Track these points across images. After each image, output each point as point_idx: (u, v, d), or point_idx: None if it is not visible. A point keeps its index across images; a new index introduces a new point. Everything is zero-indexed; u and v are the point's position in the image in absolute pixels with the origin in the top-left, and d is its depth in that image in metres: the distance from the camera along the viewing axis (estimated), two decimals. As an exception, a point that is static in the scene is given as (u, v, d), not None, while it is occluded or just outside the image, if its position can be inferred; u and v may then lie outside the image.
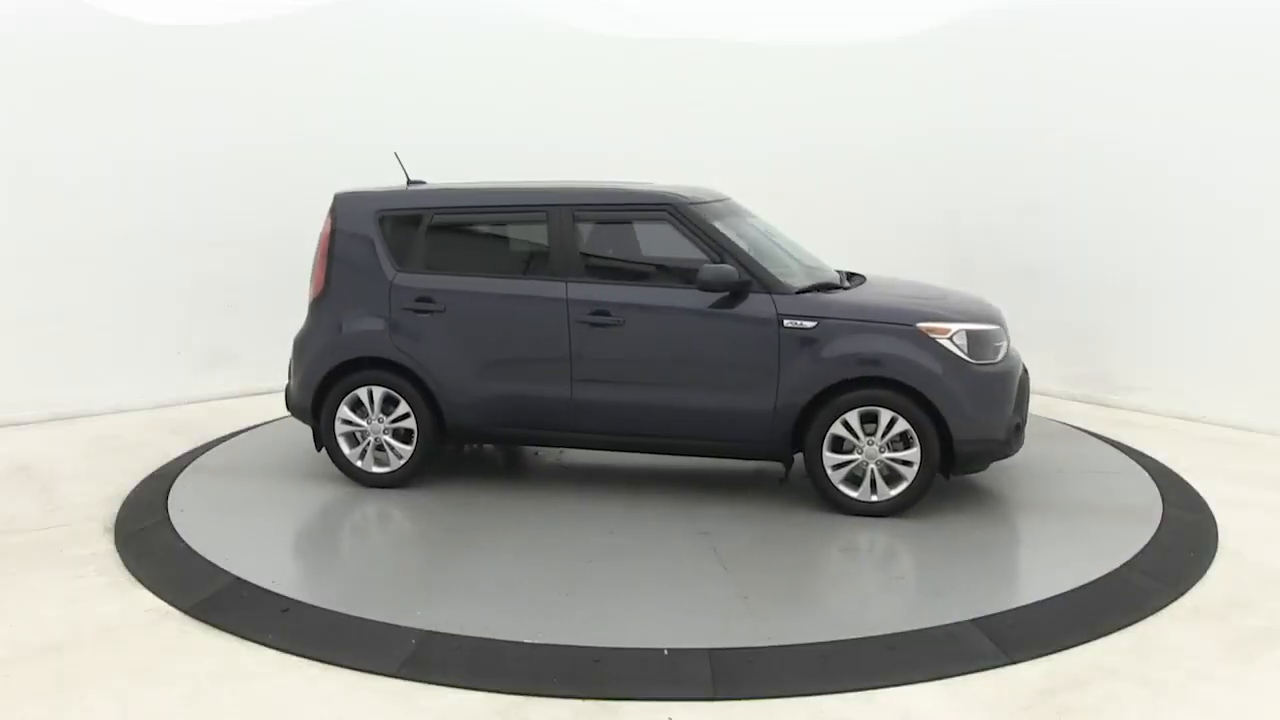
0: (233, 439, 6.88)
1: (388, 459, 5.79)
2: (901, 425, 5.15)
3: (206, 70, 8.13)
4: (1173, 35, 7.70)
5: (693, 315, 5.35)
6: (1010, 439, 5.33)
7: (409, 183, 6.41)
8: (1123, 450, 6.56)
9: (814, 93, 9.97)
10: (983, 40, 9.01)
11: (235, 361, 8.32)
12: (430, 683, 3.66)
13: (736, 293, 5.30)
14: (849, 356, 5.18)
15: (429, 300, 5.68)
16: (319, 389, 5.84)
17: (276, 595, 4.31)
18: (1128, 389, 7.97)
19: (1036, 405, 7.89)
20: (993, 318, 5.53)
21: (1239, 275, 7.35)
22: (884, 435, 5.18)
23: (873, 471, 5.24)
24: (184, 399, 7.91)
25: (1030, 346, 8.56)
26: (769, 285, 5.32)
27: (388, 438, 5.77)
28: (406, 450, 5.73)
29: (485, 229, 5.96)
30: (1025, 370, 5.67)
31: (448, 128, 9.21)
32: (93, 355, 7.64)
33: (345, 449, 5.81)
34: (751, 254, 5.45)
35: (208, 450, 6.57)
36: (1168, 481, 5.91)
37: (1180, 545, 4.95)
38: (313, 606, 4.20)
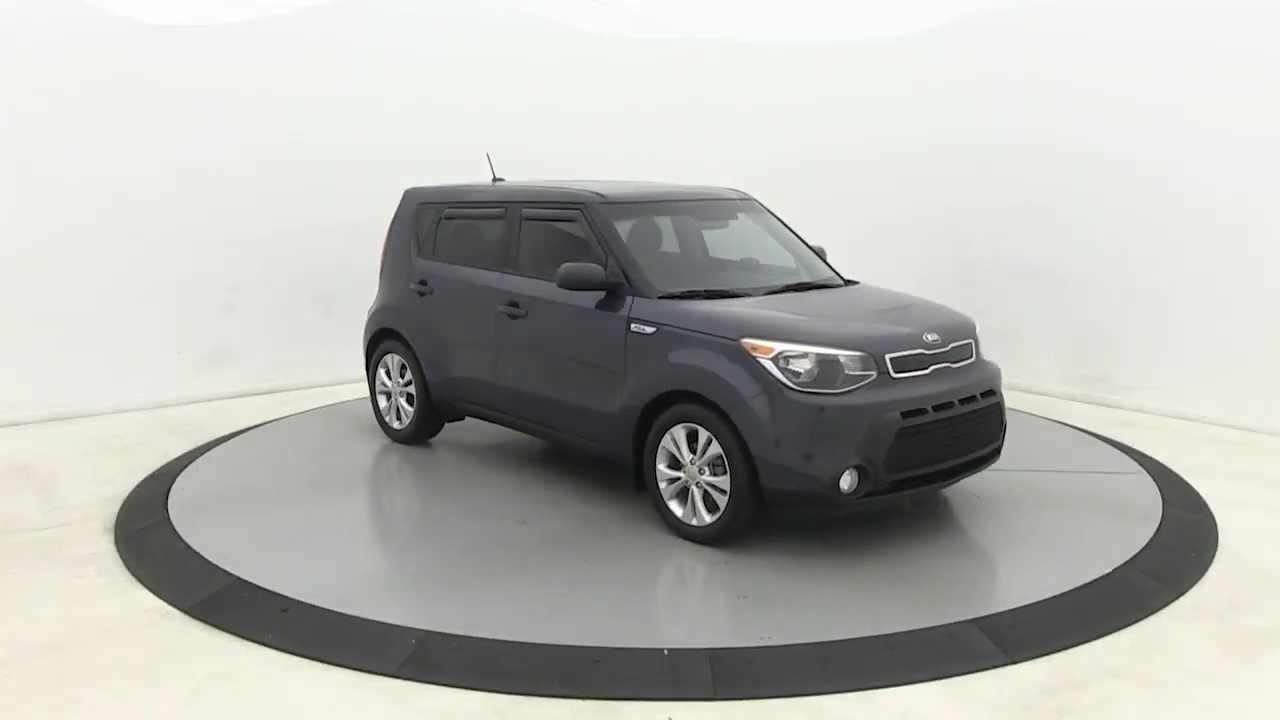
0: (233, 439, 6.87)
1: (401, 418, 6.69)
2: (717, 448, 4.72)
3: (206, 70, 8.13)
4: (1173, 35, 7.69)
5: (577, 312, 5.42)
6: (835, 487, 4.49)
7: (494, 180, 6.82)
8: (1123, 450, 6.56)
9: (814, 93, 9.97)
10: (983, 40, 9.00)
11: (235, 361, 8.32)
12: (430, 683, 3.65)
13: (612, 293, 5.26)
14: (672, 366, 4.89)
15: (424, 283, 6.47)
16: (367, 354, 6.97)
17: (276, 595, 4.30)
18: (1128, 389, 7.97)
19: (1037, 405, 7.93)
20: (867, 343, 4.69)
21: (1239, 275, 7.35)
22: (703, 456, 4.79)
23: (693, 493, 4.88)
24: (184, 399, 7.91)
25: (1030, 346, 8.63)
26: (637, 287, 5.19)
27: (401, 400, 6.65)
28: (410, 412, 6.60)
29: (470, 223, 6.49)
30: (950, 414, 4.73)
31: (448, 128, 9.21)
32: (93, 355, 7.63)
33: (380, 405, 6.86)
34: (635, 255, 5.29)
35: (208, 450, 6.57)
36: (1168, 481, 5.91)
37: (1180, 545, 4.95)
38: (313, 606, 4.20)
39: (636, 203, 5.74)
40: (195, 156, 8.09)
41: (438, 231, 6.54)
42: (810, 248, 6.20)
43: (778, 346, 4.61)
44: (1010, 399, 8.08)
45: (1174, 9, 7.71)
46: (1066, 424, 7.30)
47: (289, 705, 3.54)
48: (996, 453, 5.25)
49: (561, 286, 5.27)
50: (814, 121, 9.91)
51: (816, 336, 4.68)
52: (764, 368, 4.59)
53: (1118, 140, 7.98)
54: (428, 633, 3.96)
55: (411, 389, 6.54)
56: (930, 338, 4.89)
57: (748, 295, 5.26)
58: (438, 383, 6.35)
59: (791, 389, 4.55)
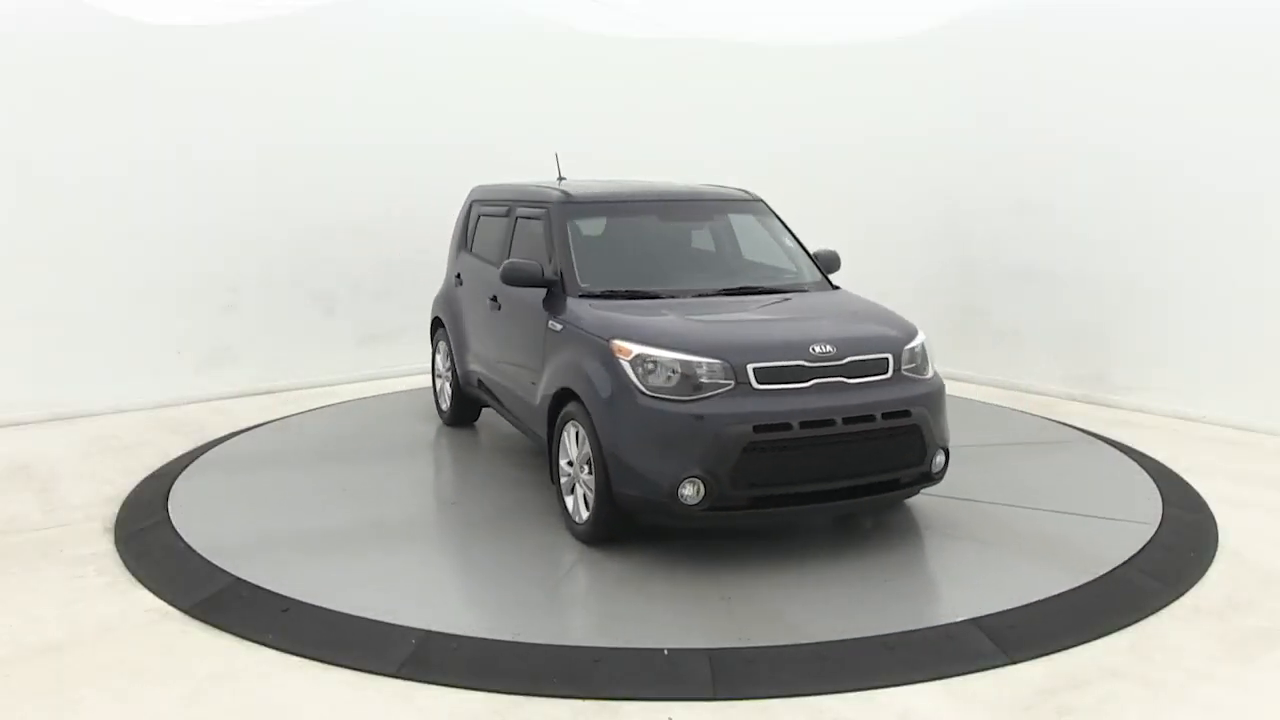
0: (233, 439, 6.87)
1: (444, 402, 7.27)
2: (588, 447, 4.71)
3: (206, 70, 8.13)
4: (1173, 35, 7.69)
5: (526, 309, 5.61)
6: (674, 496, 4.37)
7: (558, 179, 6.83)
8: (1123, 450, 6.56)
9: (814, 93, 9.97)
10: (983, 40, 9.00)
11: (235, 361, 8.32)
12: (430, 683, 3.65)
13: (551, 290, 5.41)
14: (562, 363, 5.02)
15: (459, 276, 6.98)
16: (430, 341, 7.50)
17: (276, 595, 4.30)
18: (1128, 389, 7.97)
19: (1037, 405, 7.93)
20: (729, 351, 4.51)
21: (1239, 275, 7.35)
22: (580, 454, 4.82)
23: (576, 490, 4.91)
24: (184, 399, 7.91)
25: (1030, 346, 8.63)
26: (565, 285, 5.30)
27: (444, 382, 7.24)
28: (449, 396, 7.11)
29: (492, 221, 6.75)
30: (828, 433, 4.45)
31: (448, 128, 9.22)
32: (93, 355, 7.64)
33: (435, 387, 7.45)
34: (574, 254, 5.41)
35: (208, 450, 6.57)
36: (1168, 481, 5.91)
37: (1180, 545, 4.95)
38: (313, 606, 4.20)
39: (603, 202, 5.86)
40: (195, 157, 8.09)
41: (476, 227, 6.96)
42: (805, 250, 6.01)
43: (636, 349, 4.57)
44: (1010, 399, 8.19)
45: (1173, 9, 7.71)
46: (1066, 424, 7.30)
47: (289, 705, 3.54)
48: (926, 478, 4.85)
49: (503, 281, 5.47)
50: (814, 121, 9.91)
51: (677, 342, 4.58)
52: (623, 370, 4.56)
53: (1118, 140, 7.98)
54: (428, 633, 3.96)
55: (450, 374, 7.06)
56: (819, 349, 4.59)
57: (673, 297, 5.22)
58: (461, 370, 6.82)
59: (643, 393, 4.49)
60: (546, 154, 6.98)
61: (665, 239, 5.95)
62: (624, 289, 5.28)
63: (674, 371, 4.48)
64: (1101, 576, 4.49)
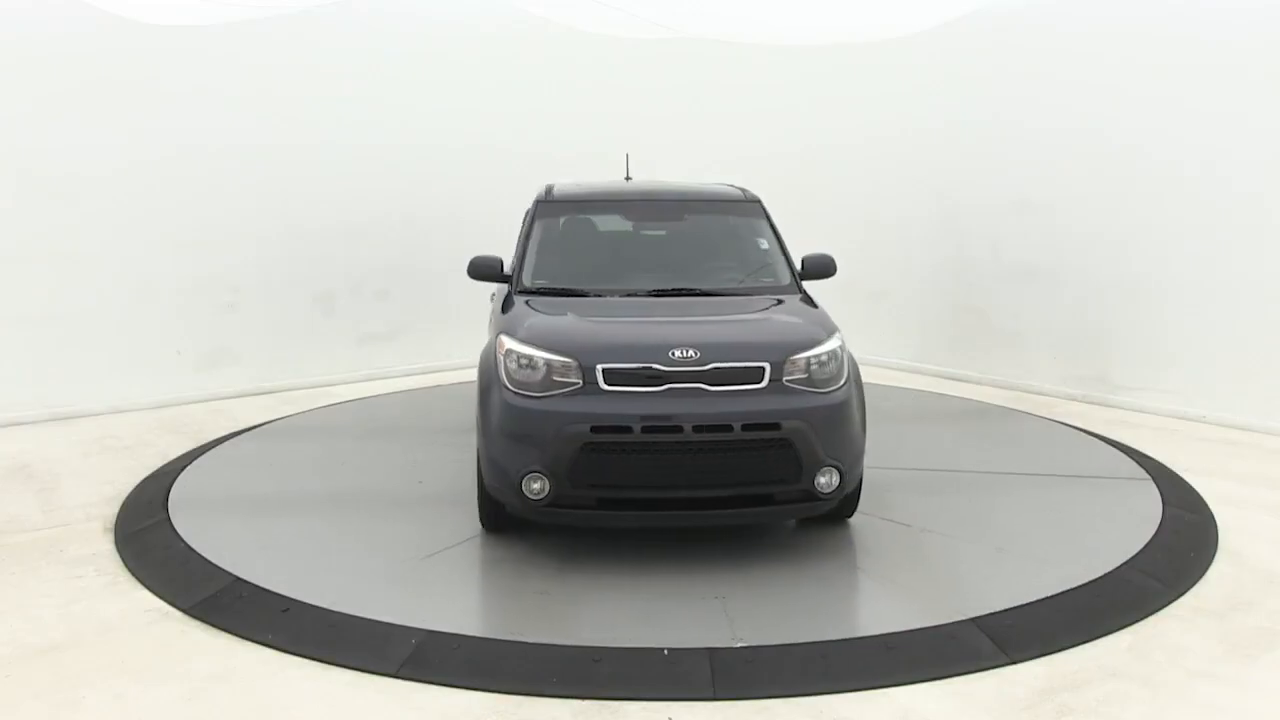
0: (233, 439, 6.87)
1: None
2: None
3: (207, 70, 8.13)
4: (1173, 34, 7.69)
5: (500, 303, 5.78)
6: (520, 490, 4.45)
7: (626, 179, 6.84)
8: (1123, 450, 6.56)
9: (815, 92, 9.98)
10: (983, 40, 9.00)
11: (235, 361, 8.32)
12: (430, 683, 3.65)
13: (510, 285, 5.61)
14: (482, 356, 5.11)
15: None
16: None
17: (276, 595, 4.30)
18: (1127, 389, 7.97)
19: (1037, 405, 7.93)
20: (580, 351, 4.53)
21: (1239, 275, 7.35)
22: None
23: None
24: (184, 399, 7.91)
25: (1030, 346, 8.63)
26: (514, 281, 5.56)
27: None
28: None
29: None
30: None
31: (448, 128, 9.22)
32: (93, 355, 7.64)
33: None
34: (533, 249, 5.67)
35: (208, 450, 6.57)
36: (1168, 481, 5.91)
37: (1180, 545, 4.95)
38: (313, 606, 4.20)
39: (579, 201, 6.03)
40: (195, 157, 8.09)
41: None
42: (785, 254, 5.82)
43: (509, 344, 4.71)
44: (1010, 399, 8.18)
45: (1173, 8, 7.71)
46: (1066, 424, 7.30)
47: (289, 705, 3.54)
48: (811, 497, 4.58)
49: (469, 275, 5.66)
50: (815, 121, 9.92)
51: (542, 340, 4.65)
52: (500, 364, 4.71)
53: (1118, 140, 7.98)
54: (428, 633, 3.96)
55: None
56: (679, 354, 4.51)
57: (600, 296, 5.32)
58: None
59: (506, 387, 4.60)
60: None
61: (630, 239, 6.02)
62: (563, 287, 5.43)
63: (534, 368, 4.57)
64: (1101, 576, 4.49)
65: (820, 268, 5.77)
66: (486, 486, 4.75)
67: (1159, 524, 5.16)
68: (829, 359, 4.73)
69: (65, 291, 7.55)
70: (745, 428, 4.42)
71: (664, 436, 4.39)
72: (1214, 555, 4.87)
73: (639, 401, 4.44)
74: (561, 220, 5.95)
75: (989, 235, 8.95)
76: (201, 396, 8.00)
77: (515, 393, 4.57)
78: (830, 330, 4.92)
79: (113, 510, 5.49)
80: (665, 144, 9.62)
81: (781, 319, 5.12)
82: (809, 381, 4.64)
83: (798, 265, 5.78)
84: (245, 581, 4.45)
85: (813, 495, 4.57)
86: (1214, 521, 5.30)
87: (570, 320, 4.96)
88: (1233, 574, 4.66)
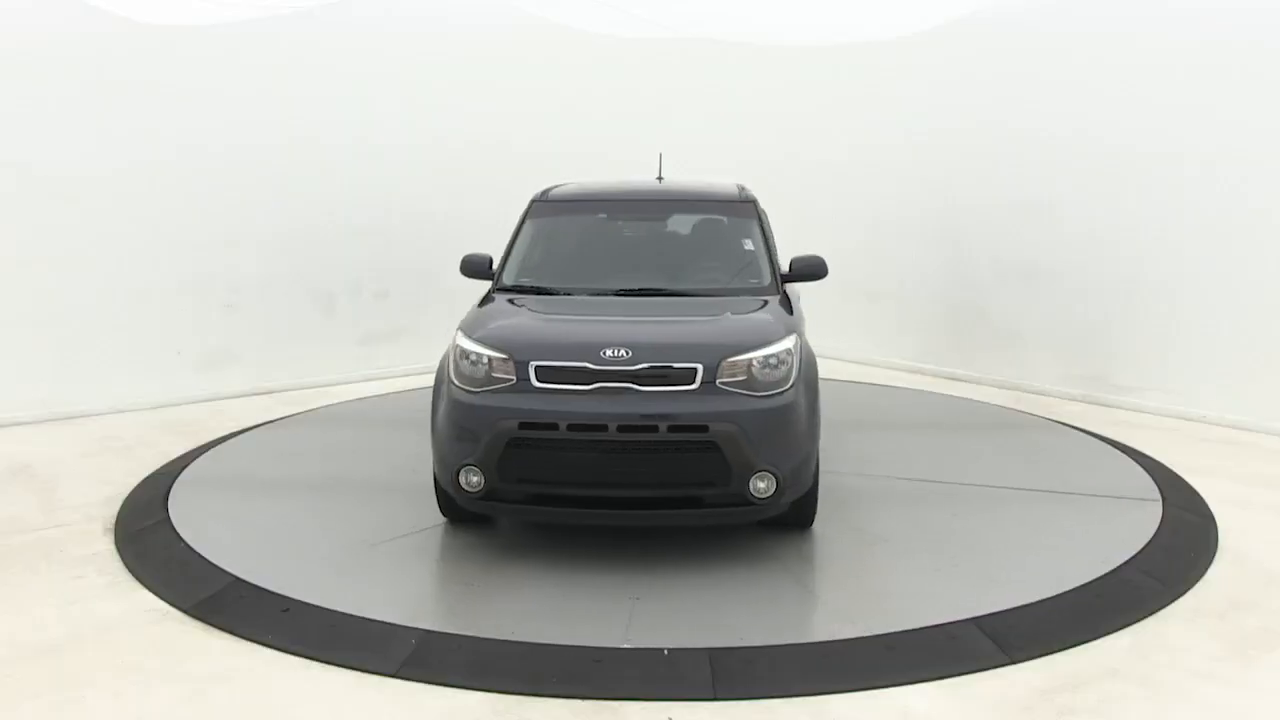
0: (233, 439, 6.87)
1: None
2: None
3: (206, 70, 8.12)
4: (1174, 33, 7.69)
5: None
6: (457, 483, 4.58)
7: (658, 179, 6.81)
8: (1123, 450, 6.56)
9: (815, 92, 9.97)
10: (983, 40, 9.00)
11: (235, 361, 8.32)
12: (430, 683, 3.65)
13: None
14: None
15: None
16: None
17: (276, 595, 4.31)
18: (1128, 389, 7.97)
19: (1037, 405, 7.93)
20: (515, 349, 4.61)
21: (1240, 275, 7.35)
22: None
23: None
24: (184, 399, 7.91)
25: (1030, 346, 8.63)
26: (495, 279, 5.71)
27: None
28: None
29: None
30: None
31: (448, 128, 9.22)
32: (93, 355, 7.63)
33: None
34: (518, 248, 5.82)
35: (208, 450, 6.57)
36: (1168, 481, 5.91)
37: (1180, 545, 4.95)
38: (313, 606, 4.20)
39: (569, 201, 6.11)
40: (195, 156, 8.08)
41: None
42: (770, 256, 5.75)
43: (458, 341, 4.85)
44: (1011, 399, 8.18)
45: (1174, 8, 7.71)
46: (1066, 424, 7.30)
47: (289, 705, 3.54)
48: (745, 502, 4.49)
49: (461, 273, 5.80)
50: (814, 121, 9.91)
51: (484, 336, 4.77)
52: (450, 360, 4.85)
53: (1119, 139, 7.98)
54: (428, 633, 3.96)
55: None
56: (610, 354, 4.52)
57: (568, 295, 5.46)
58: None
59: (453, 382, 4.73)
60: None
61: (616, 239, 6.07)
62: (538, 285, 5.55)
63: (477, 364, 4.67)
64: (1101, 576, 4.50)
65: (809, 270, 5.70)
66: (439, 482, 4.89)
67: (1159, 524, 5.16)
68: (776, 362, 4.64)
69: (65, 291, 7.54)
70: (671, 429, 4.41)
71: (589, 435, 4.40)
72: (1214, 555, 4.87)
73: (567, 399, 4.48)
74: (552, 220, 6.04)
75: (989, 235, 8.95)
76: (201, 396, 7.99)
77: (459, 387, 4.69)
78: (784, 333, 4.81)
79: (113, 510, 5.48)
80: (665, 144, 9.60)
81: (734, 320, 5.02)
82: (748, 384, 4.55)
83: (785, 267, 5.70)
84: (245, 581, 4.45)
85: (746, 500, 4.50)
86: (1214, 521, 5.30)
87: (518, 318, 5.06)
88: (1233, 574, 4.66)
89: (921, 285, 9.48)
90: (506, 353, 4.61)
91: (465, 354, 4.74)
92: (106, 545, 5.01)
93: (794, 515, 4.92)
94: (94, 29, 7.65)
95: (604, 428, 4.39)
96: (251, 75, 8.34)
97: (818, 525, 5.10)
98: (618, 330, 4.77)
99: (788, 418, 4.59)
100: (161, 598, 4.38)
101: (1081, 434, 7.02)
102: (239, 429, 7.12)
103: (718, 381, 4.52)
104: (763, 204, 6.28)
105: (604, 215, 6.11)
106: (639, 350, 4.54)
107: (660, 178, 6.81)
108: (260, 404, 7.91)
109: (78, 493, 5.80)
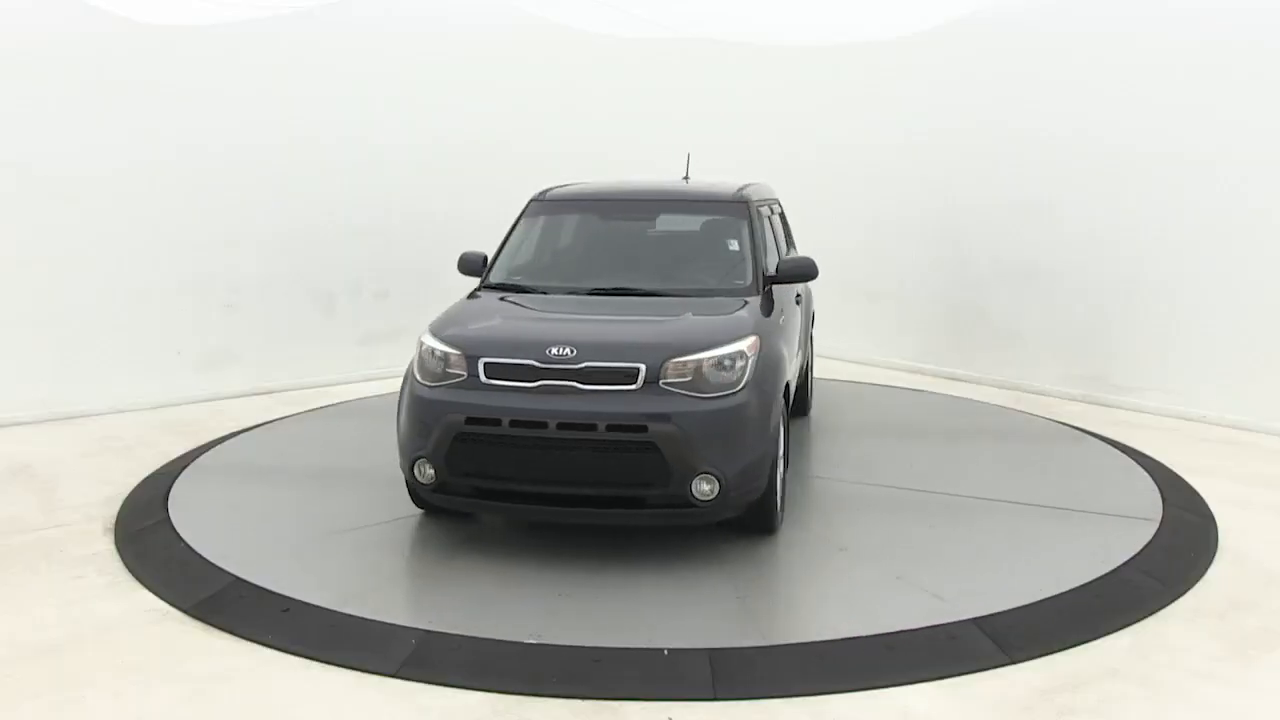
0: (233, 439, 6.87)
1: None
2: None
3: (206, 70, 8.12)
4: (1174, 33, 7.69)
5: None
6: (413, 475, 4.73)
7: (684, 179, 6.88)
8: (1123, 450, 6.56)
9: (815, 93, 9.97)
10: (983, 40, 9.00)
11: (235, 361, 8.32)
12: (430, 683, 3.65)
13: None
14: None
15: None
16: None
17: (276, 595, 4.30)
18: (1128, 389, 7.97)
19: (1037, 405, 7.93)
20: (467, 345, 4.73)
21: (1240, 275, 7.35)
22: None
23: None
24: (184, 399, 7.91)
25: (1030, 346, 8.63)
26: (484, 276, 5.82)
27: None
28: None
29: None
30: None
31: (448, 128, 9.22)
32: (93, 355, 7.63)
33: None
34: (509, 247, 5.94)
35: (208, 450, 6.57)
36: (1168, 481, 5.91)
37: (1180, 545, 4.95)
38: (313, 606, 4.20)
39: (566, 201, 6.17)
40: (195, 156, 8.08)
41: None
42: (754, 257, 5.62)
43: (423, 336, 4.97)
44: (1011, 398, 8.18)
45: (1173, 8, 7.71)
46: (1066, 424, 7.30)
47: (289, 705, 3.54)
48: (686, 504, 4.47)
49: (458, 270, 5.91)
50: (814, 121, 9.91)
51: (442, 332, 4.92)
52: (415, 355, 4.97)
53: (1118, 140, 7.98)
54: (428, 633, 3.96)
55: None
56: (555, 352, 4.56)
57: (544, 294, 5.54)
58: None
59: (415, 376, 4.87)
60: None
61: (604, 239, 6.11)
62: (519, 284, 5.65)
63: (435, 359, 4.79)
64: (1101, 576, 4.49)
65: (797, 271, 5.65)
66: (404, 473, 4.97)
67: (1159, 524, 5.16)
68: (729, 364, 4.60)
69: (65, 291, 7.54)
70: (610, 428, 4.41)
71: (530, 431, 4.45)
72: (1214, 555, 4.87)
73: (512, 396, 4.55)
74: (543, 219, 6.13)
75: (989, 235, 8.95)
76: (201, 396, 7.99)
77: (419, 382, 4.82)
78: (739, 336, 4.75)
79: (113, 510, 5.48)
80: (664, 144, 9.60)
81: (690, 321, 4.96)
82: (695, 385, 4.52)
83: (772, 269, 5.62)
84: (245, 581, 4.44)
85: (689, 502, 4.47)
86: (1214, 521, 5.30)
87: (482, 316, 5.19)
88: (1233, 574, 4.66)
89: (921, 285, 9.48)
90: (460, 349, 4.73)
91: (426, 349, 4.87)
92: (106, 545, 5.01)
93: (753, 520, 4.86)
94: (94, 29, 7.66)
95: (545, 425, 4.44)
96: (251, 75, 8.34)
97: (786, 530, 5.04)
98: (566, 329, 4.82)
99: (735, 420, 4.54)
100: (161, 598, 4.38)
101: (1081, 433, 7.02)
102: (239, 429, 7.12)
103: (661, 382, 4.51)
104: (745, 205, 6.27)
105: (594, 215, 6.16)
106: (583, 349, 4.57)
107: (686, 178, 6.83)
108: (260, 404, 7.91)
109: (78, 493, 5.80)
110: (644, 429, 4.40)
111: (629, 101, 9.93)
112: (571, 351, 4.55)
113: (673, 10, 10.44)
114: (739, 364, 4.64)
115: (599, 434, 4.41)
